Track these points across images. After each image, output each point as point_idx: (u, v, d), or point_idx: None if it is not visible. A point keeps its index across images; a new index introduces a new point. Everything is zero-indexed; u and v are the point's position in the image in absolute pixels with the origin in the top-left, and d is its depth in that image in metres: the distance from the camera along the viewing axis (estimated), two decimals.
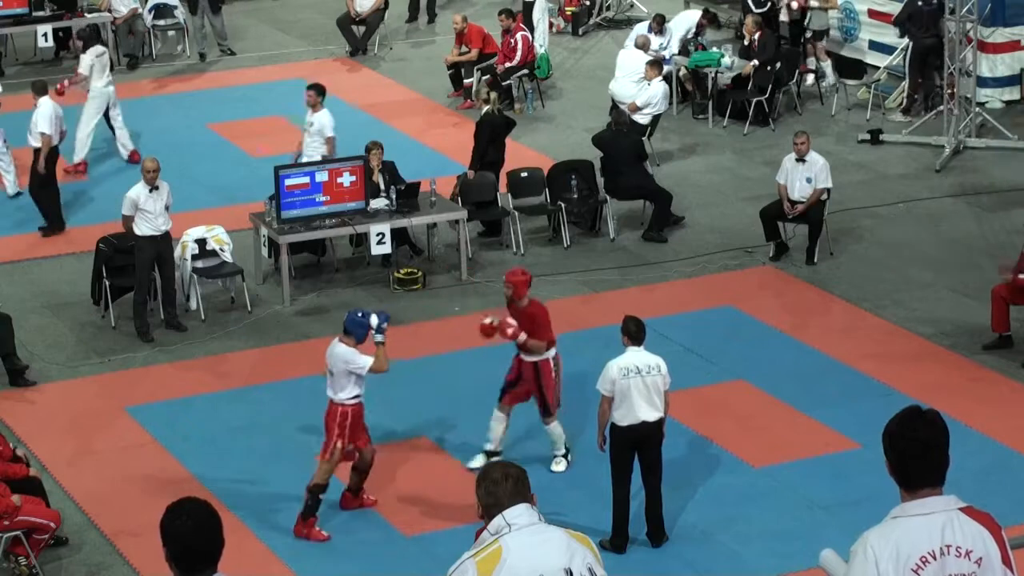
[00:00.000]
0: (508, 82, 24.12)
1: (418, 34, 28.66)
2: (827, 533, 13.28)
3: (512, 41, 24.15)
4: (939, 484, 5.79)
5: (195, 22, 26.79)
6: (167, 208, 17.15)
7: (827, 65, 24.81)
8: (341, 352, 13.37)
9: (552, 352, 14.16)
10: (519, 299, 14.11)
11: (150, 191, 16.97)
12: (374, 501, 14.10)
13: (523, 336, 13.97)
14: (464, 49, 24.81)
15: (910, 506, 5.77)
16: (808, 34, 25.07)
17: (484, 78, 24.21)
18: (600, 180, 19.92)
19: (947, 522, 5.75)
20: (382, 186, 18.52)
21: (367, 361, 13.31)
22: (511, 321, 14.01)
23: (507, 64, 24.16)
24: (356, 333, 13.45)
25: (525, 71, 24.39)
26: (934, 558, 5.71)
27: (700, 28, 24.99)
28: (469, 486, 14.84)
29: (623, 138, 20.05)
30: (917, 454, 5.74)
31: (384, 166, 18.73)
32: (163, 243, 17.18)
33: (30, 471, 13.62)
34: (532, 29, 25.31)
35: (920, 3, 23.39)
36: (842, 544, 13.66)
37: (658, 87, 21.95)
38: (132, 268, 17.34)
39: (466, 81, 24.53)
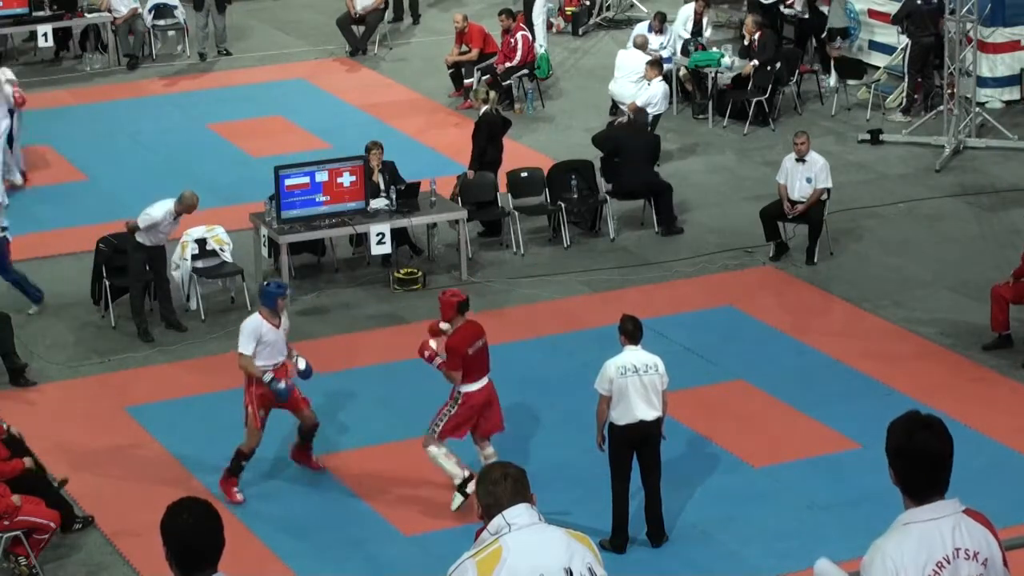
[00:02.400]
0: (508, 82, 24.13)
1: (406, 34, 28.66)
2: (827, 533, 13.30)
3: (512, 41, 24.16)
4: (945, 491, 5.79)
5: (198, 20, 26.77)
6: None
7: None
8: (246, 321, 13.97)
9: (464, 387, 13.53)
10: (446, 320, 13.71)
11: (175, 218, 16.99)
12: (319, 467, 14.41)
13: (437, 360, 13.57)
14: (464, 49, 24.81)
15: (920, 512, 5.76)
16: (823, 34, 25.12)
17: (484, 78, 24.21)
18: (600, 180, 19.94)
19: (955, 525, 5.77)
20: (382, 186, 18.52)
21: (242, 349, 13.81)
22: (430, 344, 13.69)
23: (507, 64, 24.17)
24: (266, 303, 13.93)
25: (525, 71, 24.40)
26: (948, 562, 5.72)
27: (698, 17, 24.95)
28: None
29: (643, 136, 20.12)
30: (927, 468, 5.74)
31: (384, 166, 18.73)
32: (156, 248, 17.21)
33: (25, 462, 13.47)
34: (532, 28, 25.37)
35: (919, 2, 23.39)
36: (841, 544, 13.72)
37: (658, 87, 21.96)
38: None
39: (466, 81, 24.54)
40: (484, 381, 13.62)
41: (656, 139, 20.66)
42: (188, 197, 16.95)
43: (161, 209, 16.89)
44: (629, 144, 19.97)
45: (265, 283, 14.24)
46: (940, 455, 5.73)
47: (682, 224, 19.82)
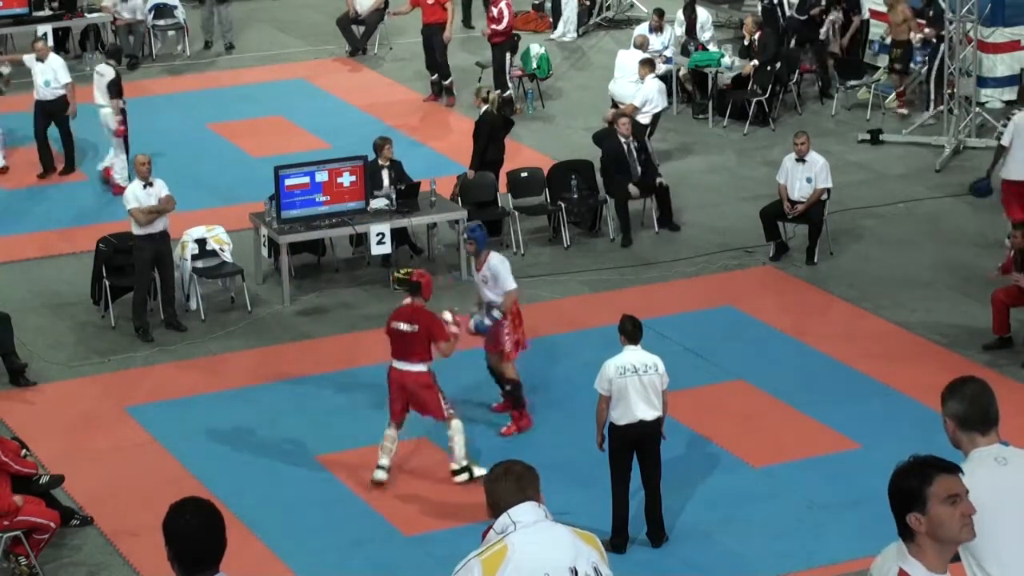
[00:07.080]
0: (509, 86, 24.08)
1: (406, 34, 28.62)
2: (827, 533, 13.31)
3: (496, 11, 24.13)
4: None
5: (203, 12, 26.89)
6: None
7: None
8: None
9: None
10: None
11: (144, 187, 16.98)
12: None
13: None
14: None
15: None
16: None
17: (487, 87, 24.18)
18: (600, 180, 19.94)
19: None
20: (387, 181, 18.51)
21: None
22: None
23: (493, 27, 24.08)
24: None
25: (521, 71, 24.45)
26: None
27: (690, 23, 24.96)
28: (469, 486, 14.84)
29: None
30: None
31: (391, 164, 18.76)
32: (161, 243, 17.18)
33: (38, 471, 13.62)
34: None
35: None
36: (841, 544, 13.66)
37: (652, 84, 21.87)
38: (132, 268, 17.35)
39: (444, 82, 24.60)
40: (400, 365, 14.20)
41: (640, 138, 20.66)
42: (138, 157, 17.47)
43: (131, 189, 17.16)
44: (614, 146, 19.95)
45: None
46: None
47: (679, 223, 19.79)
